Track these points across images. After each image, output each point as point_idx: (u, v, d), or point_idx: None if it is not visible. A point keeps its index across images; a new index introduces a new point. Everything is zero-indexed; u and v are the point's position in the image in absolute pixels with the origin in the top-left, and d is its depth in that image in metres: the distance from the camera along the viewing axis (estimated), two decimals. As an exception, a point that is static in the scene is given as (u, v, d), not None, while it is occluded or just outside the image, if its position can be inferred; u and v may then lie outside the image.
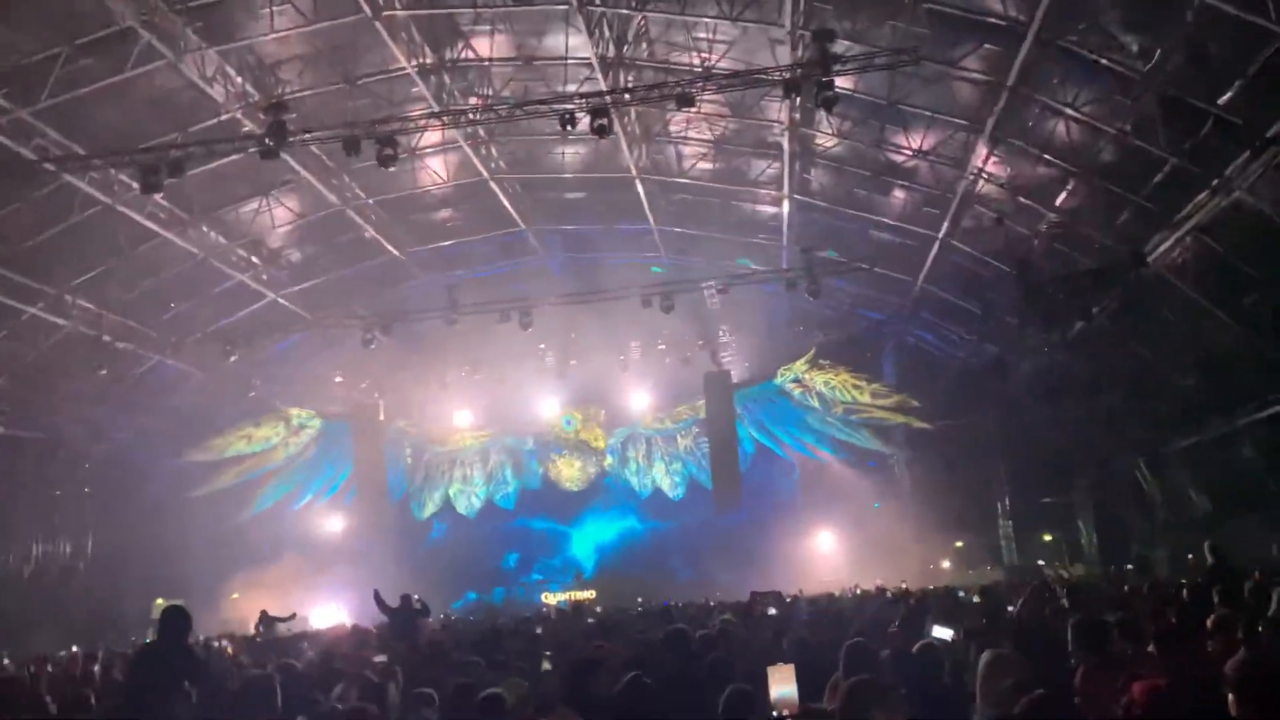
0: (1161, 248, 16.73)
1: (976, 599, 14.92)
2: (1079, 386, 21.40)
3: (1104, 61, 14.72)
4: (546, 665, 8.70)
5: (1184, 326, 18.24)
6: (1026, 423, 25.41)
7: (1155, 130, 15.23)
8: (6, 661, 16.89)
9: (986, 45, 15.67)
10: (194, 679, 6.73)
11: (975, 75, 16.49)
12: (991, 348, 25.06)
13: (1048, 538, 27.95)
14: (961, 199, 19.76)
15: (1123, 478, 23.54)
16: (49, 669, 14.36)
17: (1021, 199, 18.94)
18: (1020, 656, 5.76)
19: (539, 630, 14.29)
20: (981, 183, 19.20)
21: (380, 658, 9.18)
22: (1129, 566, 20.75)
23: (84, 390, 24.35)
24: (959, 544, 28.43)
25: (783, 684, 4.72)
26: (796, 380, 30.20)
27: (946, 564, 27.76)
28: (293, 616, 19.25)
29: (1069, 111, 16.02)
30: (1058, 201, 18.60)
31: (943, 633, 6.96)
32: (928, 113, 18.34)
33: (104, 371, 22.84)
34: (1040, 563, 26.40)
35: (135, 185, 17.51)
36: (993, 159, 18.49)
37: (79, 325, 21.83)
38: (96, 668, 12.89)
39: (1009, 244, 19.53)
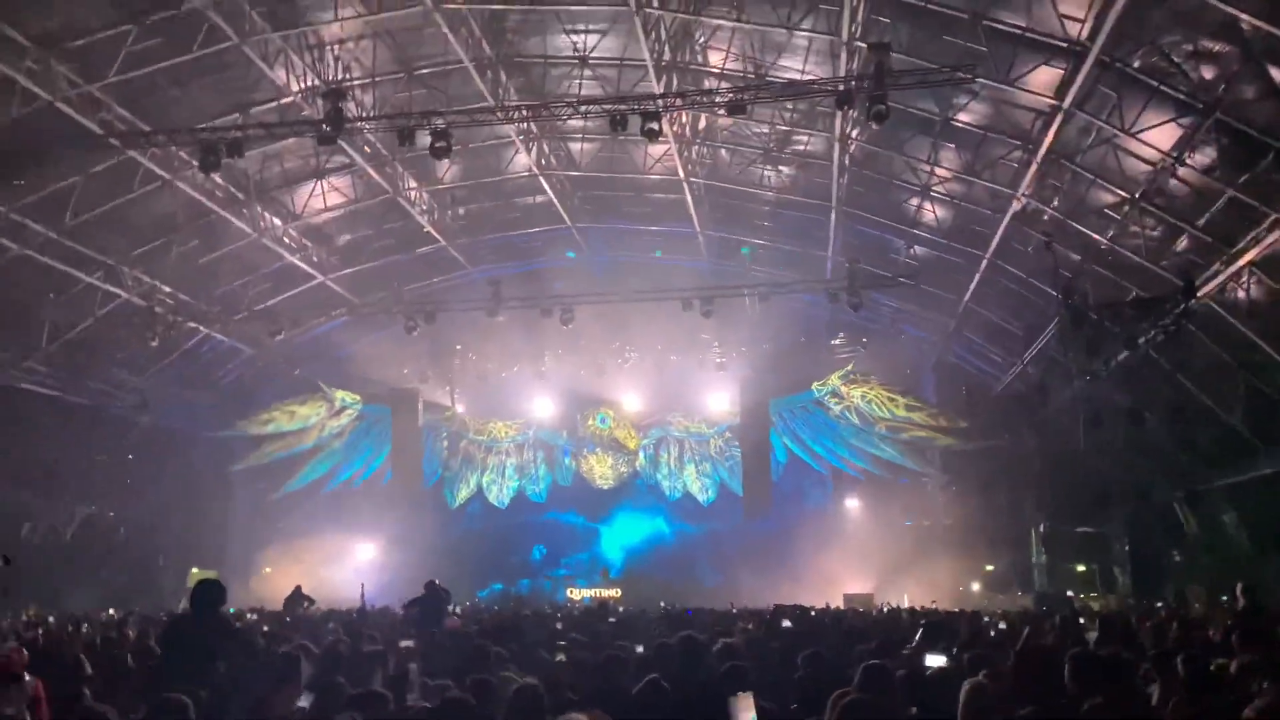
0: (1214, 281, 16.40)
1: (1002, 625, 14.80)
2: (1121, 416, 21.04)
3: (1166, 88, 14.48)
4: (561, 657, 8.77)
5: (1232, 362, 17.87)
6: (1065, 449, 24.99)
7: (1215, 160, 14.96)
8: (51, 619, 17.39)
9: (1046, 65, 15.47)
10: (226, 651, 6.93)
11: (1033, 95, 16.29)
12: (1033, 371, 24.71)
13: (1081, 567, 27.50)
14: (1011, 219, 19.55)
15: (1161, 511, 23.12)
16: (84, 629, 14.82)
17: (1072, 223, 18.67)
18: (1008, 687, 5.67)
19: (559, 624, 14.40)
20: (1033, 204, 18.97)
21: (406, 643, 9.31)
22: (1159, 604, 20.36)
23: (134, 359, 25.01)
24: (990, 567, 28.10)
25: (743, 713, 4.76)
26: (833, 392, 30.05)
27: (976, 586, 27.46)
28: (314, 603, 19.54)
29: (1126, 136, 15.76)
30: (1109, 227, 18.32)
31: (935, 659, 6.94)
32: (981, 130, 18.19)
33: (155, 343, 23.40)
34: (1069, 593, 26.01)
35: (194, 163, 17.96)
36: (1046, 180, 18.27)
37: (133, 296, 22.44)
38: (131, 632, 13.22)
39: (1057, 267, 19.26)
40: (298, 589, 19.69)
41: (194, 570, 28.09)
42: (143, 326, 23.03)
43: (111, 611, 20.77)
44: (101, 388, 24.79)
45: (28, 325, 21.55)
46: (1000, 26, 15.11)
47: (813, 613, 17.25)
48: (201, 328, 25.66)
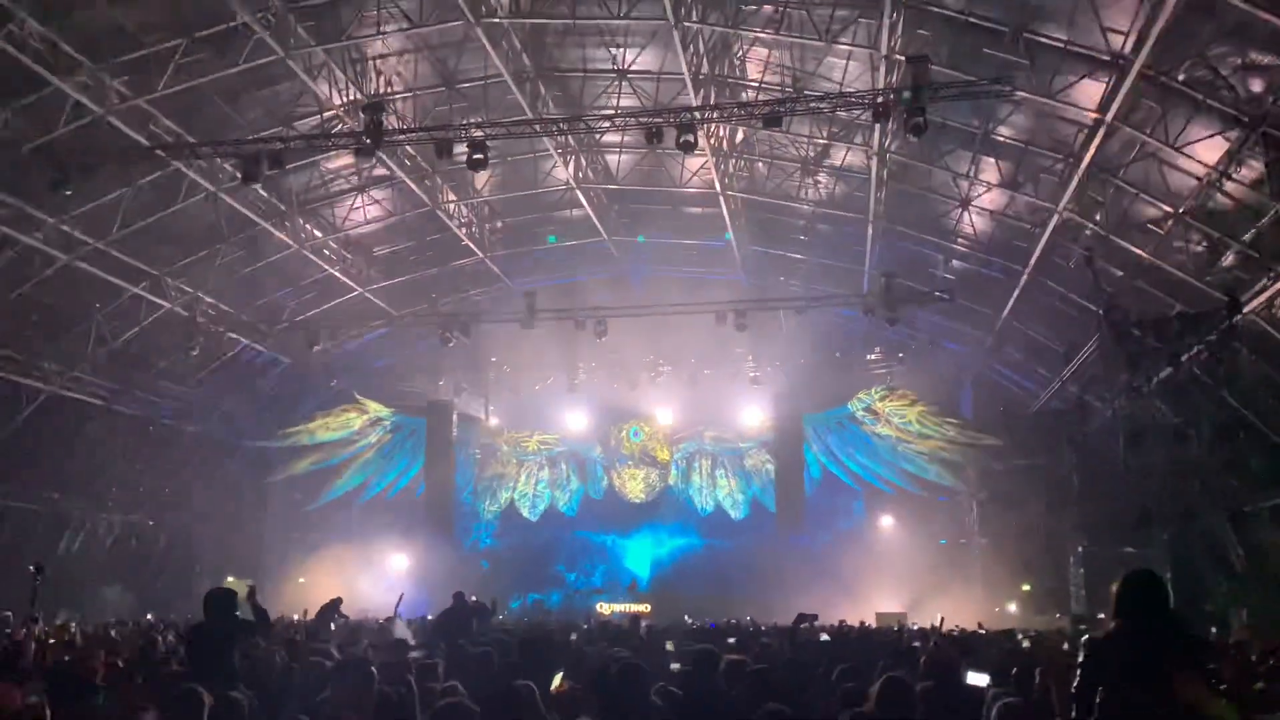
0: (1261, 297, 16.09)
1: (1026, 644, 14.54)
2: (1164, 435, 20.64)
3: (1211, 101, 14.28)
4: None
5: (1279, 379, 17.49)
6: (1106, 469, 24.56)
7: (1261, 175, 14.71)
8: (75, 626, 17.42)
9: (1089, 78, 15.32)
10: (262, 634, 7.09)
11: (1075, 108, 16.13)
12: (1073, 389, 24.33)
13: (1121, 589, 26.96)
14: (1052, 234, 19.33)
15: (1205, 533, 22.60)
16: (112, 634, 14.85)
17: (1115, 238, 18.42)
18: (1034, 706, 5.61)
19: (574, 637, 14.23)
20: (1074, 218, 18.76)
21: (416, 653, 9.16)
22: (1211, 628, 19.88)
23: (176, 370, 25.39)
24: (1026, 587, 27.63)
25: None
26: (868, 408, 29.81)
27: (1013, 607, 26.99)
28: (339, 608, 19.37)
29: (1170, 150, 15.55)
30: (1153, 242, 18.05)
31: (978, 679, 6.85)
32: (1023, 144, 18.04)
33: (195, 352, 23.75)
34: (1100, 615, 25.48)
35: (238, 175, 18.27)
36: (1088, 194, 18.05)
37: (176, 306, 22.81)
38: (164, 637, 13.29)
39: (1098, 283, 18.98)
40: (338, 600, 19.57)
41: (230, 579, 28.39)
42: (184, 337, 23.39)
43: (150, 617, 21.01)
44: (148, 397, 25.18)
45: (75, 335, 21.96)
46: (1042, 39, 15.02)
47: (822, 625, 16.73)
48: (242, 338, 26.02)
